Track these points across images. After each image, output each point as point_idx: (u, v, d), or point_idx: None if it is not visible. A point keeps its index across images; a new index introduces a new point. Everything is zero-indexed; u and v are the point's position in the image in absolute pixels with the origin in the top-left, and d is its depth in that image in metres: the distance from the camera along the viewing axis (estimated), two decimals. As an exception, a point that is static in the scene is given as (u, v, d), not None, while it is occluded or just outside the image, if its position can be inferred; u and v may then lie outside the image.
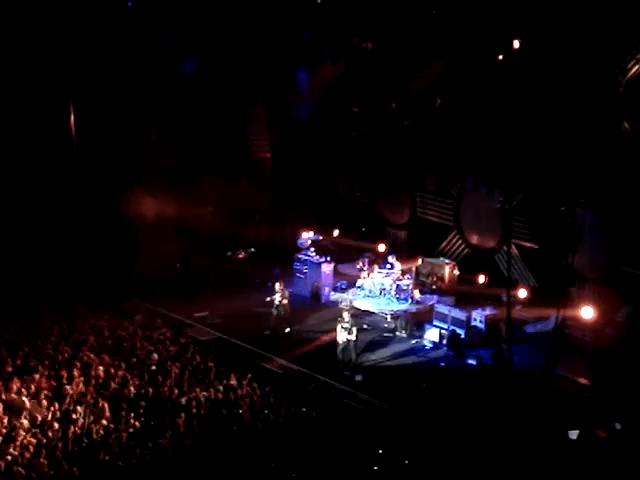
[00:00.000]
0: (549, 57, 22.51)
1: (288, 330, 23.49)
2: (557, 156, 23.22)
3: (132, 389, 18.38)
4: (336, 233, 30.04)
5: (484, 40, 23.82)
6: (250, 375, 19.41)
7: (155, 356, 20.21)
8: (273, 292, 23.89)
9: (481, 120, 25.31)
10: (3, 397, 17.64)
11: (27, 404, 17.42)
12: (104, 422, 17.02)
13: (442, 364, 22.00)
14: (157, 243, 27.49)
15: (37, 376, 18.66)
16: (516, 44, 22.42)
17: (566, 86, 22.39)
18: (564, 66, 22.29)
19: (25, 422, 16.77)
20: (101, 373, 19.05)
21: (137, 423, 17.07)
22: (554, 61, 22.46)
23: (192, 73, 29.42)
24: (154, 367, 19.51)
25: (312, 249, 27.35)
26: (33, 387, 18.23)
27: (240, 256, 29.34)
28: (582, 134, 22.22)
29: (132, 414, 17.34)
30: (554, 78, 22.59)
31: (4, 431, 16.45)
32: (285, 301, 23.61)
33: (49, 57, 27.18)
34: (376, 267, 26.31)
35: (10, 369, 19.18)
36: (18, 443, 16.02)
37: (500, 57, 23.20)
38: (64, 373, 18.94)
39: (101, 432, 16.68)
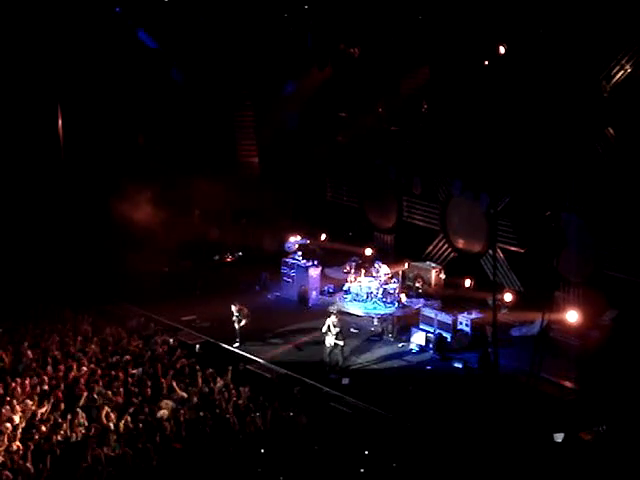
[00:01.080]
0: (535, 63, 22.65)
1: (237, 345, 22.94)
2: (543, 161, 23.36)
3: (119, 392, 18.38)
4: (323, 237, 30.12)
5: (470, 45, 23.94)
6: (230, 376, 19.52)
7: (128, 357, 20.22)
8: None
9: (467, 125, 25.45)
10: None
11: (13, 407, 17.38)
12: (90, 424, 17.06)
13: (428, 367, 22.07)
14: (144, 246, 27.52)
15: (21, 379, 18.60)
16: (502, 50, 22.57)
17: (551, 91, 22.54)
18: (549, 71, 22.44)
19: (9, 426, 16.72)
20: (86, 375, 19.02)
21: (121, 425, 17.08)
22: (540, 67, 22.60)
23: (180, 80, 29.39)
24: (135, 371, 19.47)
25: (299, 253, 27.40)
26: (19, 390, 18.17)
27: (227, 260, 29.36)
28: (567, 139, 22.37)
29: (117, 417, 17.35)
30: (540, 83, 22.74)
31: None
32: (243, 322, 22.89)
33: (37, 60, 27.16)
34: (363, 271, 26.43)
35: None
36: (3, 448, 15.99)
37: (486, 62, 23.35)
38: (50, 376, 18.90)
39: (82, 433, 16.67)
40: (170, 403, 18.03)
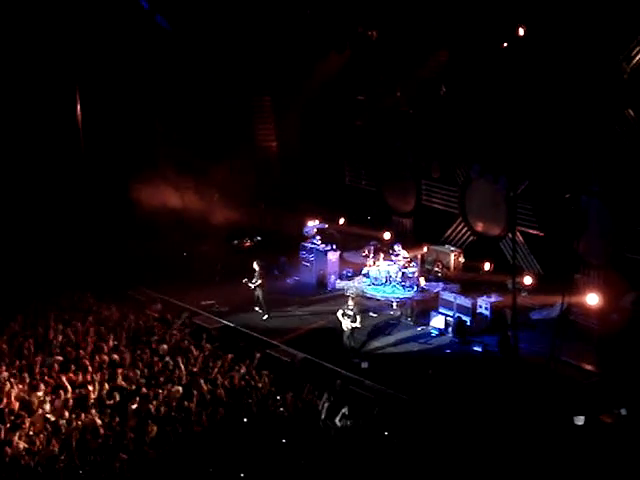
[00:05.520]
0: (554, 44, 22.50)
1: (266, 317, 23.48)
2: (562, 143, 23.23)
3: (140, 378, 18.51)
4: (342, 221, 30.09)
5: (489, 27, 23.81)
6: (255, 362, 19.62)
7: (165, 347, 20.26)
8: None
9: (486, 107, 25.32)
10: (15, 392, 17.55)
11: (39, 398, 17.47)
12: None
13: (448, 351, 22.09)
14: (164, 231, 27.62)
15: (46, 369, 18.72)
16: (521, 31, 22.41)
17: (571, 73, 22.39)
18: (569, 53, 22.28)
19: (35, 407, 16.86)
20: (109, 363, 19.13)
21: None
22: (559, 48, 22.45)
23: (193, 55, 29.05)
24: (168, 358, 19.50)
25: (318, 237, 27.41)
26: (44, 380, 18.26)
27: (246, 244, 29.40)
28: (587, 121, 22.23)
29: (137, 403, 17.48)
30: (559, 65, 22.59)
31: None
32: (259, 281, 23.54)
33: (54, 47, 27.21)
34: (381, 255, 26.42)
35: (19, 362, 19.12)
36: (24, 433, 16.11)
37: (505, 44, 23.21)
38: (73, 364, 19.02)
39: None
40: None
